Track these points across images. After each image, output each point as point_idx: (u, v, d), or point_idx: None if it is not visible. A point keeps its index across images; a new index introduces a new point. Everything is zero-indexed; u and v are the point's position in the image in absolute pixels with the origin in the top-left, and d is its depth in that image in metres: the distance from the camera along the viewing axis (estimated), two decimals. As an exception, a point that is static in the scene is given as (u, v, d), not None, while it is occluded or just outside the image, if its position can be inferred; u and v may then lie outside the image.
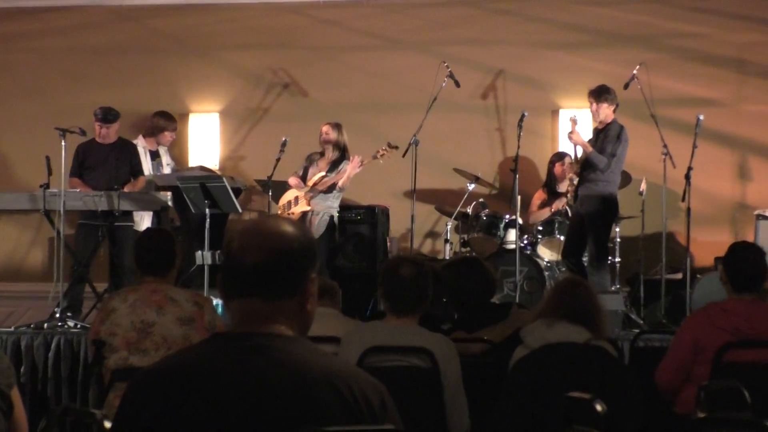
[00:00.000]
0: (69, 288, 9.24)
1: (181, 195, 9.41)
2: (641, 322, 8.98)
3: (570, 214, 9.66)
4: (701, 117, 9.13)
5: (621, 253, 9.77)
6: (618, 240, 9.77)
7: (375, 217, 10.41)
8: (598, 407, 3.17)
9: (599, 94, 9.07)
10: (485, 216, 10.00)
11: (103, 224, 9.33)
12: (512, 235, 9.75)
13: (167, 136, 10.45)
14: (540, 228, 9.93)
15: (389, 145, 9.78)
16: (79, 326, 8.62)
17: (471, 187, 10.28)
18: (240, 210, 9.48)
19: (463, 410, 4.99)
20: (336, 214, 10.02)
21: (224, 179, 9.35)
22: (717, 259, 9.10)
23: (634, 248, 9.92)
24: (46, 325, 8.60)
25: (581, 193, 9.14)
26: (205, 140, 11.61)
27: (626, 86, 9.58)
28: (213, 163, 11.37)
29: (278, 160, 9.79)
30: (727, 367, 5.17)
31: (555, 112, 11.14)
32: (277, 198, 10.09)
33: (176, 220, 10.36)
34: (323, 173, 9.93)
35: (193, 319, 5.41)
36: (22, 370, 8.17)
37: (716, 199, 10.72)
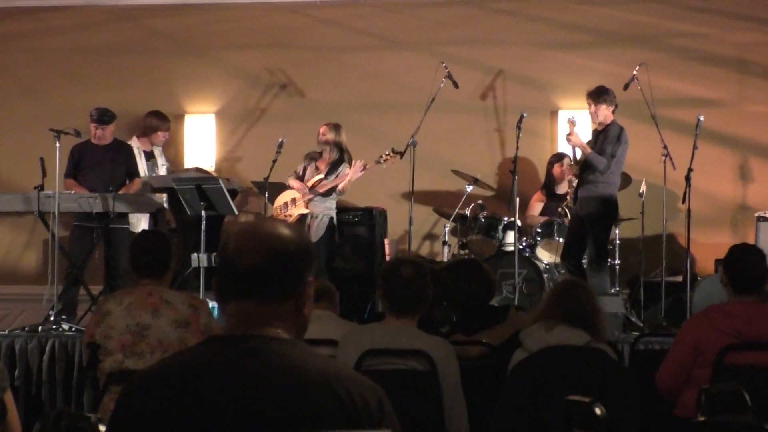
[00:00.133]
0: (63, 290, 9.22)
1: (177, 197, 9.37)
2: (641, 324, 8.98)
3: (569, 216, 9.63)
4: (701, 118, 9.13)
5: (621, 255, 9.74)
6: (618, 242, 9.73)
7: (372, 218, 10.37)
8: (598, 411, 3.10)
9: (598, 95, 9.04)
10: (484, 218, 9.97)
11: (98, 226, 9.33)
12: (511, 237, 9.73)
13: (160, 136, 10.46)
14: (539, 230, 9.89)
15: (393, 151, 9.74)
16: (73, 329, 8.63)
17: (469, 188, 10.26)
18: (236, 212, 9.46)
19: (462, 414, 4.97)
20: (335, 216, 9.97)
21: (220, 181, 9.32)
22: (717, 261, 9.21)
23: (634, 250, 9.90)
24: (40, 328, 8.62)
25: (581, 194, 9.12)
26: (201, 141, 11.54)
27: (626, 87, 9.56)
28: (209, 165, 11.35)
29: (275, 161, 9.73)
30: (728, 370, 5.17)
31: (554, 113, 11.10)
32: (273, 200, 10.06)
33: (172, 222, 10.33)
34: (321, 176, 9.87)
35: (189, 321, 5.41)
36: (16, 373, 8.17)
37: (717, 200, 10.69)
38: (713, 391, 3.92)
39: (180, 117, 11.51)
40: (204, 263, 8.94)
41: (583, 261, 9.18)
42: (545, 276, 9.61)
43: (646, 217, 9.74)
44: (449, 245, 10.23)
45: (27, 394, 8.18)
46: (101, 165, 9.66)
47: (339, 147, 9.93)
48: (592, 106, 9.09)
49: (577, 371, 4.91)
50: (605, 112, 9.05)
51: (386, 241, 10.50)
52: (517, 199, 9.38)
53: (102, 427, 2.93)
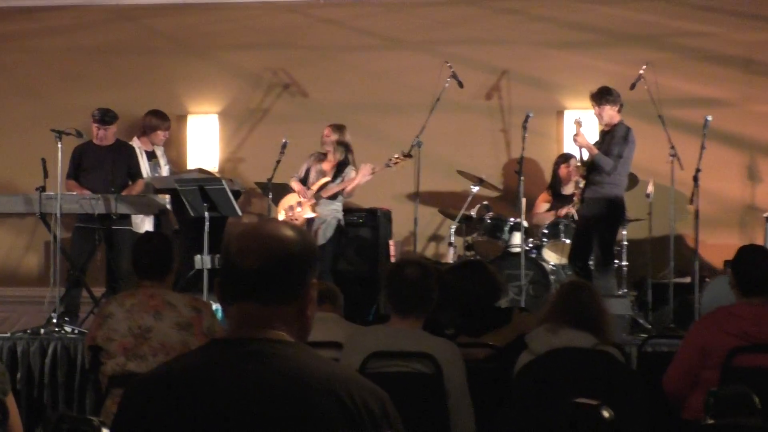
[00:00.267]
0: (65, 293, 9.21)
1: (180, 198, 9.36)
2: (649, 326, 8.94)
3: (576, 217, 9.61)
4: (709, 118, 9.07)
5: (628, 257, 9.70)
6: (625, 243, 9.69)
7: (377, 220, 10.37)
8: (605, 413, 3.16)
9: (600, 96, 9.04)
10: (489, 219, 9.93)
11: (100, 228, 9.31)
12: (517, 238, 9.69)
13: (160, 135, 10.45)
14: (545, 231, 9.87)
15: (403, 154, 9.71)
16: (75, 332, 8.58)
17: (475, 189, 10.21)
18: (239, 213, 9.44)
19: (468, 417, 4.94)
20: (342, 218, 9.96)
21: (223, 182, 9.31)
22: (726, 262, 9.16)
23: (642, 251, 9.89)
24: (42, 330, 8.56)
25: (587, 195, 9.10)
26: (204, 142, 11.55)
27: (633, 86, 9.54)
28: (212, 166, 11.35)
29: (278, 162, 9.70)
30: (736, 372, 5.15)
31: (560, 113, 11.10)
32: (277, 201, 10.05)
33: (176, 224, 10.33)
34: (328, 178, 9.83)
35: (192, 324, 5.40)
36: (17, 376, 8.14)
37: (725, 201, 10.67)
38: (721, 393, 4.04)
39: (182, 117, 11.53)
40: (207, 265, 8.94)
41: (590, 263, 9.13)
42: (552, 277, 9.57)
43: (654, 218, 9.72)
44: (455, 246, 10.20)
45: (29, 397, 8.15)
46: (103, 166, 9.65)
47: (344, 148, 9.88)
48: (596, 107, 9.08)
49: (584, 374, 4.89)
50: (610, 113, 9.03)
51: (391, 242, 10.49)
52: (523, 200, 9.37)
53: (104, 431, 3.00)
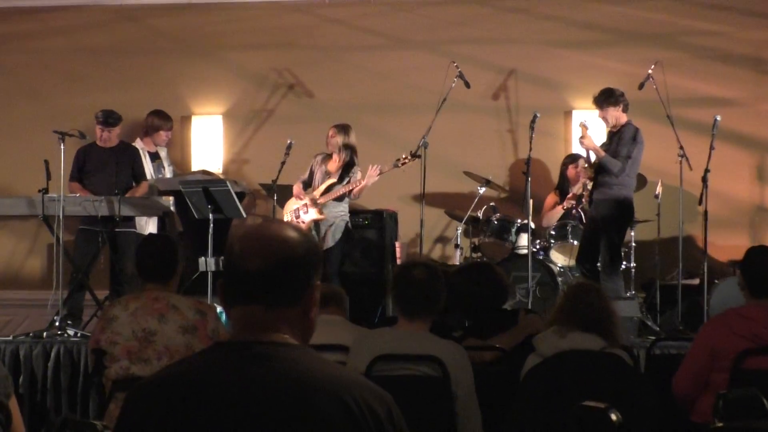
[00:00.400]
0: (68, 296, 9.20)
1: (184, 200, 9.35)
2: (657, 329, 8.91)
3: (584, 218, 9.60)
4: (718, 117, 9.05)
5: (636, 258, 9.67)
6: (633, 244, 9.66)
7: (383, 221, 10.32)
8: (613, 416, 3.18)
9: (602, 100, 9.03)
10: (496, 220, 9.91)
11: (103, 230, 9.30)
12: (524, 239, 9.67)
13: (162, 135, 10.46)
14: (553, 232, 9.86)
15: (411, 154, 9.67)
16: (79, 335, 8.59)
17: (482, 190, 10.19)
18: (244, 215, 9.45)
19: (476, 420, 4.95)
20: (349, 220, 9.94)
21: (228, 183, 9.30)
22: (735, 263, 9.12)
23: (650, 253, 9.85)
24: (45, 333, 8.57)
25: (596, 197, 9.08)
26: (208, 143, 11.53)
27: (641, 86, 9.48)
28: (216, 167, 11.35)
29: (283, 163, 9.67)
30: (746, 375, 5.14)
31: (568, 113, 11.07)
32: (282, 203, 10.03)
33: (180, 226, 10.35)
34: (334, 180, 9.79)
35: (196, 327, 5.38)
36: (20, 380, 8.14)
37: (734, 201, 10.65)
38: (731, 396, 4.05)
39: (186, 118, 11.52)
40: (211, 267, 8.92)
41: (598, 265, 9.09)
42: (559, 279, 9.55)
43: (662, 219, 9.65)
44: (461, 248, 10.19)
45: (32, 401, 8.13)
46: (107, 168, 9.65)
47: (349, 149, 9.83)
48: (600, 111, 9.07)
49: (592, 377, 4.90)
50: (615, 114, 9.00)
51: (397, 244, 10.48)
52: (531, 201, 9.33)
53: (108, 435, 3.01)
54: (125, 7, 11.76)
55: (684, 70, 10.63)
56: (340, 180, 9.78)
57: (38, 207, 8.93)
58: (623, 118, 9.02)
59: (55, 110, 11.20)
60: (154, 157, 10.37)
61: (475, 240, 10.04)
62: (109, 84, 11.43)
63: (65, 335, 8.52)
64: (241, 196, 9.69)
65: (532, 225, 9.59)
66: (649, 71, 9.47)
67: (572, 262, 9.49)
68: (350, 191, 9.73)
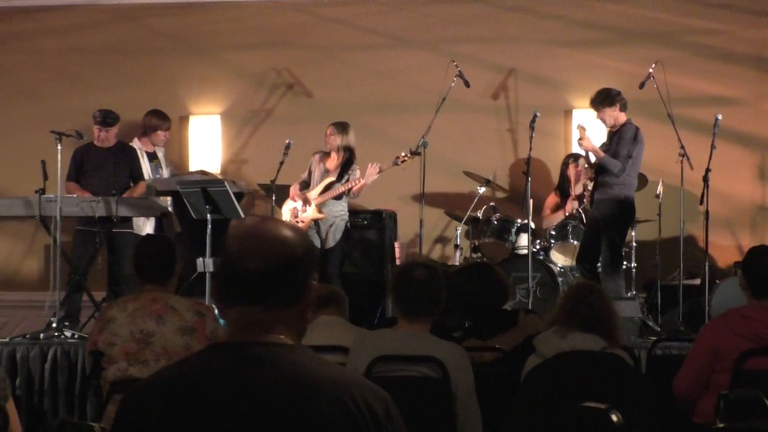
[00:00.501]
0: (66, 297, 9.20)
1: (182, 200, 9.34)
2: (658, 329, 8.90)
3: (584, 218, 9.58)
4: (719, 116, 9.04)
5: (637, 258, 9.67)
6: (634, 244, 9.66)
7: (382, 221, 10.30)
8: (614, 417, 3.19)
9: (599, 101, 9.03)
10: (496, 220, 9.89)
11: (101, 230, 9.29)
12: (524, 239, 9.66)
13: (160, 135, 10.45)
14: (553, 232, 9.84)
15: (411, 152, 9.67)
16: (76, 336, 8.59)
17: (481, 190, 10.19)
18: (242, 215, 9.39)
19: (476, 422, 4.94)
20: (348, 219, 9.94)
21: (226, 183, 9.30)
22: (736, 263, 9.15)
23: (651, 253, 9.83)
24: (42, 335, 8.56)
25: (597, 197, 9.07)
26: (206, 143, 11.51)
27: (642, 85, 9.47)
28: (214, 167, 11.33)
29: (282, 163, 9.67)
30: (748, 376, 5.13)
31: (568, 113, 11.06)
32: (281, 203, 10.02)
33: (178, 226, 10.37)
34: (332, 179, 9.78)
35: (195, 328, 5.37)
36: (17, 382, 8.14)
37: (735, 201, 10.62)
38: (733, 397, 4.13)
39: (184, 118, 11.50)
40: (210, 268, 8.93)
41: (598, 265, 9.10)
42: (560, 279, 9.55)
43: (663, 219, 9.66)
44: (461, 248, 10.19)
45: (29, 403, 8.13)
46: (104, 168, 9.62)
47: (348, 148, 9.83)
48: (597, 113, 9.06)
49: (593, 377, 4.89)
50: (612, 114, 9.00)
51: (396, 244, 10.48)
52: (531, 201, 9.32)
53: (105, 437, 3.01)
54: (123, 6, 11.75)
55: (685, 69, 10.61)
56: (339, 178, 9.78)
57: (35, 208, 8.92)
58: (622, 118, 9.00)
59: (52, 110, 11.19)
60: (152, 157, 10.36)
61: (475, 240, 10.03)
62: (107, 84, 11.41)
63: (62, 337, 8.50)
64: (239, 196, 9.67)
65: (533, 225, 9.59)
66: (650, 70, 9.46)
67: (573, 263, 9.47)
68: (349, 190, 9.72)
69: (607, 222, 8.89)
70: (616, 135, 8.99)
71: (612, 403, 3.26)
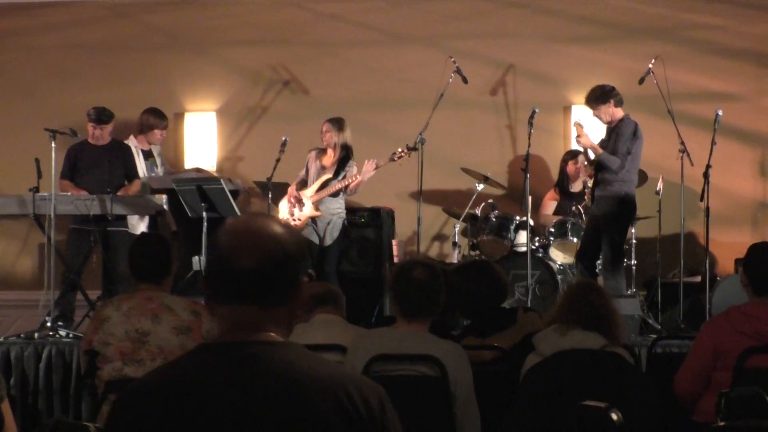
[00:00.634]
0: (60, 296, 9.16)
1: (177, 198, 9.34)
2: (659, 327, 8.88)
3: (584, 216, 9.58)
4: (720, 112, 9.01)
5: (637, 256, 9.63)
6: (634, 242, 9.63)
7: (380, 219, 10.28)
8: (614, 416, 3.18)
9: (593, 99, 9.01)
10: (495, 217, 9.86)
11: (95, 229, 9.25)
12: (523, 237, 9.62)
13: (157, 134, 10.39)
14: (552, 230, 9.82)
15: (408, 148, 9.64)
16: (71, 336, 8.58)
17: (480, 187, 10.15)
18: (239, 213, 9.40)
19: (475, 421, 4.94)
20: (345, 217, 9.93)
21: (222, 181, 9.31)
22: (737, 260, 9.15)
23: (651, 250, 9.80)
24: (36, 334, 8.55)
25: (597, 194, 9.05)
26: (202, 140, 11.47)
27: (641, 81, 9.44)
28: (210, 165, 11.28)
29: (278, 160, 9.65)
30: (749, 374, 5.13)
31: (567, 109, 11.04)
32: (277, 200, 10.00)
33: (173, 225, 10.33)
34: (329, 176, 9.76)
35: (190, 328, 5.35)
36: (11, 382, 8.14)
37: (736, 197, 10.62)
38: (734, 395, 4.03)
39: (180, 115, 11.46)
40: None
41: (598, 262, 9.09)
42: (559, 277, 9.53)
43: (663, 216, 9.63)
44: (459, 246, 10.16)
45: (23, 403, 8.13)
46: (99, 166, 9.60)
47: (344, 144, 9.81)
48: (593, 111, 9.04)
49: (593, 376, 4.88)
50: (609, 111, 8.97)
51: (394, 242, 10.43)
52: (530, 198, 9.28)
53: (100, 437, 3.04)
54: (118, 3, 11.72)
55: (685, 65, 10.60)
56: (336, 175, 9.75)
57: (29, 206, 8.90)
58: (618, 113, 8.98)
59: (46, 108, 11.15)
60: (147, 155, 10.32)
61: (474, 238, 10.01)
62: (102, 81, 11.37)
63: (57, 336, 8.50)
64: (235, 194, 9.65)
65: (532, 222, 9.56)
66: (650, 66, 9.43)
67: (572, 260, 9.46)
68: (346, 186, 9.69)
69: (607, 219, 8.86)
70: (614, 131, 8.97)
71: (612, 402, 3.25)
